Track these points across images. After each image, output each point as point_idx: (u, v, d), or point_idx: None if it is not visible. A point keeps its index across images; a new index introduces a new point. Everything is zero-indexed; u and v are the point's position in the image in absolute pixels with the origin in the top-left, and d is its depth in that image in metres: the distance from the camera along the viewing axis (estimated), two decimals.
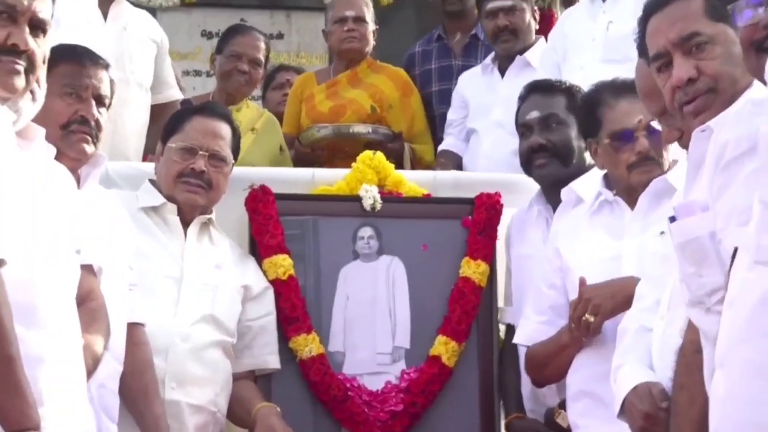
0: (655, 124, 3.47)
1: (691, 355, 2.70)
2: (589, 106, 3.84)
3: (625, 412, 3.05)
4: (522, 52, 5.49)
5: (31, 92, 2.77)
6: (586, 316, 3.54)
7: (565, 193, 4.06)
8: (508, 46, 5.53)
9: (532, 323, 3.87)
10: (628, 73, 3.83)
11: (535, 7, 5.69)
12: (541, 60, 5.48)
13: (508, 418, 4.28)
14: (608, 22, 5.19)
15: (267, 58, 5.79)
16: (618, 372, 3.15)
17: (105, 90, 3.58)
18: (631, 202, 3.72)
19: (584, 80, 4.18)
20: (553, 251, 3.86)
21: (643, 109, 3.64)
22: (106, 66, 3.64)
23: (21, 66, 2.62)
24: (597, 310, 3.53)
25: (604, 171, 3.87)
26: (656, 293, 3.08)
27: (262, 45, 5.77)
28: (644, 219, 3.65)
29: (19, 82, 2.63)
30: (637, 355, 3.12)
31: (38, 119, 2.86)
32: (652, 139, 3.67)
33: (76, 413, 2.71)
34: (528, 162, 4.27)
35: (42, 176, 2.84)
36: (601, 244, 3.71)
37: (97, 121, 3.51)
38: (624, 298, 3.38)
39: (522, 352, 3.99)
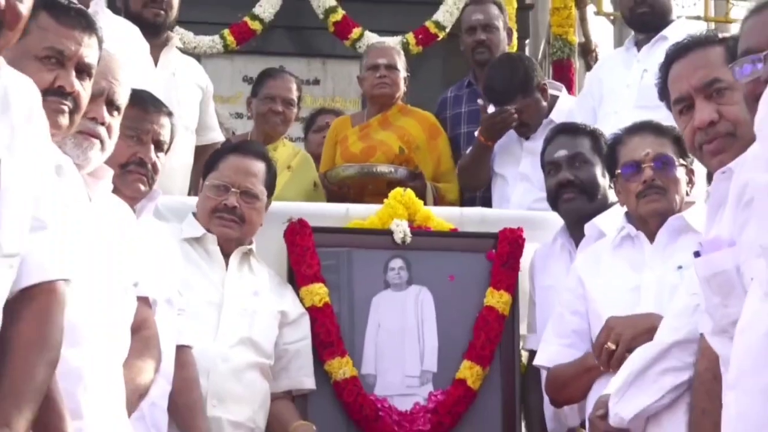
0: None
1: (710, 383, 2.73)
2: (611, 147, 3.86)
3: None
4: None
5: (101, 142, 2.88)
6: (608, 344, 3.53)
7: (588, 227, 4.08)
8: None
9: (554, 346, 3.85)
10: (659, 119, 3.88)
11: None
12: (577, 103, 5.51)
13: None
14: (643, 71, 5.16)
15: (299, 97, 5.84)
16: (610, 384, 3.28)
17: (165, 136, 3.62)
18: (651, 236, 3.72)
19: (618, 124, 4.18)
20: (576, 280, 3.85)
21: (654, 143, 3.68)
22: (169, 114, 3.68)
23: (66, 106, 2.66)
24: (618, 338, 3.51)
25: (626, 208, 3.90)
26: None
27: (294, 86, 5.81)
28: (662, 253, 3.65)
29: (63, 120, 2.66)
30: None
31: None
32: (659, 171, 3.67)
33: (115, 426, 2.76)
34: (556, 197, 4.29)
35: (105, 212, 2.93)
36: (622, 276, 3.71)
37: (153, 164, 3.54)
38: (644, 330, 3.38)
39: (543, 375, 4.00)
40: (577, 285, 3.84)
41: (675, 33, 5.12)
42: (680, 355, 3.04)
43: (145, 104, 3.58)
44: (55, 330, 2.37)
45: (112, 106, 2.94)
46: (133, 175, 3.48)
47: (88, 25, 2.75)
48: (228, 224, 4.07)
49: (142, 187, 3.50)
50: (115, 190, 3.08)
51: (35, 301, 2.34)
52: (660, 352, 3.06)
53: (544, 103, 5.29)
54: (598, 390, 3.59)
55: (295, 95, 5.78)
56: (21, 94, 2.38)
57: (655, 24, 5.36)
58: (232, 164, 4.15)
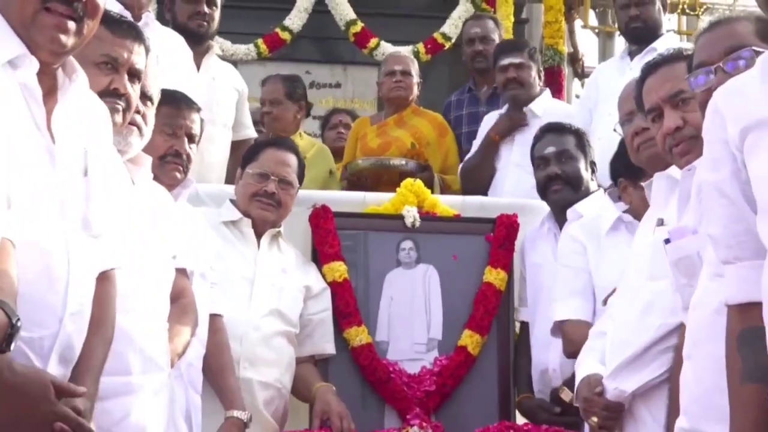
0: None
1: None
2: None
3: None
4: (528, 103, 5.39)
5: (139, 129, 2.88)
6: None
7: (570, 212, 4.04)
8: (514, 94, 5.36)
9: (575, 301, 3.73)
10: None
11: (541, 67, 5.57)
12: (577, 105, 5.53)
13: (519, 397, 4.25)
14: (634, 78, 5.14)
15: (291, 94, 5.80)
16: (578, 368, 3.24)
17: (196, 130, 3.64)
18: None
19: (611, 124, 4.14)
20: (579, 245, 3.78)
21: None
22: (198, 110, 3.70)
23: (120, 106, 2.68)
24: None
25: (608, 198, 3.85)
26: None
27: (280, 86, 5.82)
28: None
29: (118, 118, 2.68)
30: (592, 355, 3.20)
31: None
32: None
33: (158, 381, 2.79)
34: (545, 188, 4.24)
35: (147, 195, 2.95)
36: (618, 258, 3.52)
37: (188, 155, 3.57)
38: None
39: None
40: (581, 248, 3.78)
41: (663, 45, 5.07)
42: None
43: (178, 103, 3.61)
44: (112, 312, 2.41)
45: (144, 96, 2.93)
46: (170, 165, 3.51)
47: (137, 35, 2.78)
48: (266, 207, 4.05)
49: (179, 175, 3.52)
50: (155, 179, 3.12)
51: (95, 287, 2.35)
52: (666, 332, 2.89)
53: (536, 80, 5.33)
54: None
55: (281, 94, 5.78)
56: (94, 101, 2.46)
57: (646, 37, 5.33)
58: (271, 156, 4.13)
